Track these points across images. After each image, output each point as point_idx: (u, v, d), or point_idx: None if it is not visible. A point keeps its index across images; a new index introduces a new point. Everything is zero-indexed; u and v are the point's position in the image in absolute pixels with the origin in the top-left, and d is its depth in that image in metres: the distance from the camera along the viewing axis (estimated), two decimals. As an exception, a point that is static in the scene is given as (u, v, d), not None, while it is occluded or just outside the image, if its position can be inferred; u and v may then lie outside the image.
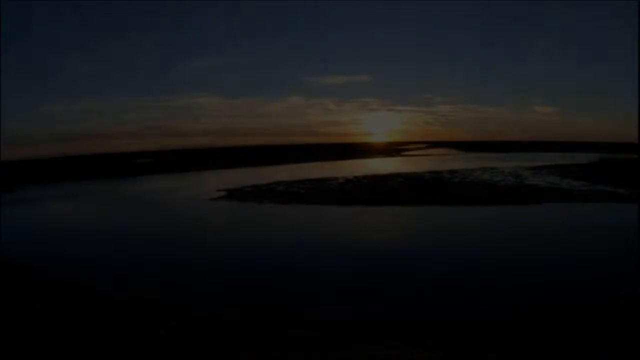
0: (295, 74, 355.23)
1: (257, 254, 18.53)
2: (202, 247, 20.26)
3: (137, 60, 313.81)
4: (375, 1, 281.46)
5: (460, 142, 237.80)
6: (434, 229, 22.39)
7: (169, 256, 18.61)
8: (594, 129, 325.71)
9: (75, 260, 18.30)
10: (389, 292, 13.48)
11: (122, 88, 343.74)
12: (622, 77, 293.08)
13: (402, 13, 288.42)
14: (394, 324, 10.72)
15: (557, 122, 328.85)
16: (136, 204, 34.70)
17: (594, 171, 47.25)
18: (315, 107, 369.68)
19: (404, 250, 18.36)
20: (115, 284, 14.65)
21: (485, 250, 18.23)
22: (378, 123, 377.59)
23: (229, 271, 16.09)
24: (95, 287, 14.10)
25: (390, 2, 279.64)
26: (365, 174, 53.72)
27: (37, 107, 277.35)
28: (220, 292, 13.74)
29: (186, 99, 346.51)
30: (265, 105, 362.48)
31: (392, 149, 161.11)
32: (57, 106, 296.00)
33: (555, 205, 28.42)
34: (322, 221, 25.57)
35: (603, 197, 31.08)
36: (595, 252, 17.67)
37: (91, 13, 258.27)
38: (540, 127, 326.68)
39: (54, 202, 37.74)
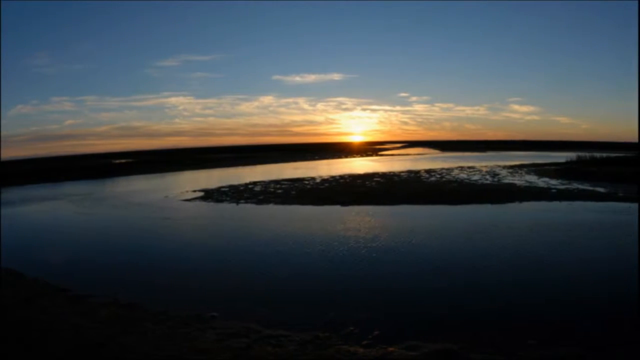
0: (265, 72, 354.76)
1: (232, 254, 18.49)
2: (178, 248, 20.13)
3: (105, 60, 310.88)
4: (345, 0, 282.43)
5: (437, 142, 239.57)
6: (411, 227, 22.25)
7: (141, 258, 18.42)
8: (573, 128, 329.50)
9: (47, 262, 18.08)
10: (364, 291, 13.38)
11: (92, 88, 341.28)
12: (601, 76, 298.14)
13: (372, 11, 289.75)
14: (370, 323, 10.60)
15: (535, 121, 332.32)
16: (111, 205, 34.10)
17: (572, 170, 47.71)
18: (288, 107, 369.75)
19: (379, 248, 18.27)
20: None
21: (460, 249, 18.33)
22: (353, 122, 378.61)
23: (205, 273, 15.94)
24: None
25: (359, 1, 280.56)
26: (342, 174, 53.99)
27: (6, 108, 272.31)
28: (195, 294, 13.51)
29: (156, 98, 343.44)
30: (237, 105, 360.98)
31: (368, 149, 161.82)
32: (27, 107, 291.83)
33: (532, 204, 28.70)
34: (299, 221, 25.46)
35: (581, 195, 31.55)
36: (574, 248, 17.98)
37: (56, 12, 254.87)
38: (518, 126, 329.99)
39: (27, 205, 36.74)
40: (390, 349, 9.16)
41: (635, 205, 26.59)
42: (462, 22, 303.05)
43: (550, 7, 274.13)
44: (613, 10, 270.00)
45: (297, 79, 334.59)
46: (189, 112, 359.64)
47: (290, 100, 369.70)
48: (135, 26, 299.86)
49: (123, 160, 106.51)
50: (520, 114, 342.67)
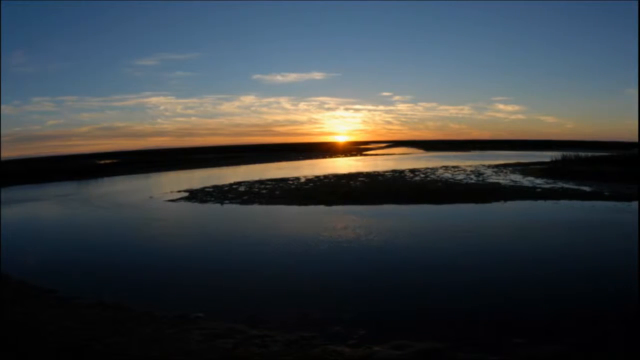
0: (246, 71, 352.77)
1: (216, 254, 18.58)
2: (162, 248, 20.14)
3: (82, 59, 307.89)
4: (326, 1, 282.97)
5: (421, 141, 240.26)
6: (395, 226, 22.46)
7: (126, 259, 18.34)
8: (558, 128, 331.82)
9: (34, 263, 18.21)
10: (349, 290, 13.46)
11: (71, 88, 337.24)
12: (586, 76, 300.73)
13: (352, 10, 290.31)
14: (356, 323, 10.70)
15: (520, 120, 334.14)
16: (96, 206, 33.84)
17: (557, 169, 48.23)
18: (270, 106, 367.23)
19: (364, 248, 18.38)
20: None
21: (445, 247, 18.49)
22: (336, 122, 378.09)
23: (189, 273, 15.91)
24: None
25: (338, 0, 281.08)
26: (327, 173, 54.09)
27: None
28: (180, 295, 13.53)
29: (137, 98, 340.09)
30: (218, 105, 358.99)
31: (352, 149, 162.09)
32: (9, 107, 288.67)
33: (517, 203, 29.06)
34: (284, 221, 25.67)
35: (566, 194, 31.94)
36: (559, 247, 18.23)
37: (27, 9, 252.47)
38: (503, 126, 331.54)
39: (12, 206, 36.35)
40: (376, 348, 9.26)
41: (621, 204, 27.03)
42: (444, 20, 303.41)
43: (535, 6, 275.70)
44: (597, 9, 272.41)
45: (278, 78, 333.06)
46: (170, 112, 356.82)
47: (272, 99, 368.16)
48: (111, 24, 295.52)
49: (108, 161, 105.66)
50: (505, 113, 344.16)
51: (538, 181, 40.24)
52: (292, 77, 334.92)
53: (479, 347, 9.27)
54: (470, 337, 9.79)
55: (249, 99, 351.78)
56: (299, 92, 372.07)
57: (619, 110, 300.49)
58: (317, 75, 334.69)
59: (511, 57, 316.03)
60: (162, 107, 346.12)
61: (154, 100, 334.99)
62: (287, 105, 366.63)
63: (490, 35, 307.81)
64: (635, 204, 27.24)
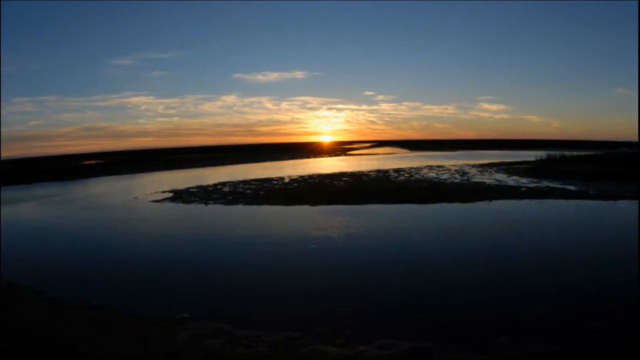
0: (226, 71, 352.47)
1: (201, 255, 18.60)
2: (147, 249, 20.22)
3: (61, 59, 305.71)
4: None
5: (406, 141, 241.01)
6: (380, 226, 22.60)
7: (111, 259, 18.29)
8: (543, 127, 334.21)
9: (20, 265, 17.99)
10: (334, 290, 13.49)
11: (52, 88, 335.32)
12: (571, 75, 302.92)
13: (332, 8, 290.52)
14: (342, 322, 10.81)
15: (505, 119, 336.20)
16: (81, 207, 33.69)
17: (542, 168, 48.69)
18: (252, 106, 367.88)
19: (349, 247, 18.49)
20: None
21: (429, 247, 18.75)
22: (320, 122, 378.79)
23: (174, 273, 15.89)
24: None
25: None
26: (311, 173, 54.20)
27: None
28: (166, 295, 13.54)
29: (117, 98, 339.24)
30: (200, 105, 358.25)
31: (337, 149, 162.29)
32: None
33: (501, 202, 29.35)
34: (268, 221, 25.73)
35: (551, 193, 32.36)
36: (544, 245, 18.40)
37: (11, 10, 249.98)
38: (488, 125, 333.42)
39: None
40: (363, 347, 9.39)
41: (606, 203, 27.42)
42: (427, 19, 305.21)
43: (520, 5, 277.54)
44: (582, 9, 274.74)
45: (259, 77, 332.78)
46: (152, 112, 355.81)
47: (254, 99, 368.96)
48: (89, 23, 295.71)
49: (92, 162, 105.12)
50: (490, 112, 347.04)
51: (523, 180, 40.68)
52: (273, 76, 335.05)
53: (465, 345, 9.42)
54: (457, 336, 9.96)
55: (230, 99, 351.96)
56: (280, 91, 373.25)
57: (606, 110, 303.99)
58: (299, 75, 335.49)
59: (496, 56, 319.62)
60: (143, 107, 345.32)
61: (134, 100, 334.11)
62: (269, 105, 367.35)
63: (475, 34, 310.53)
64: (620, 203, 27.70)
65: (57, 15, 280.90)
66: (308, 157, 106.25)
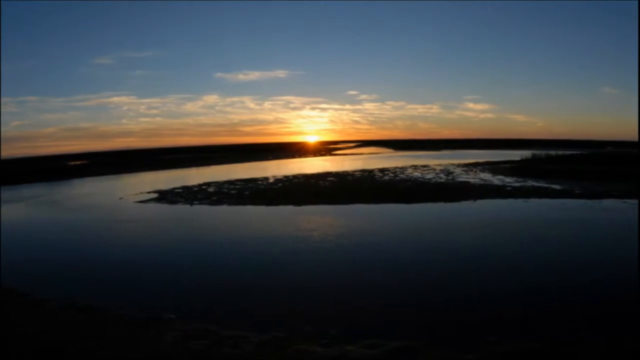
0: (207, 70, 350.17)
1: (186, 255, 18.59)
2: (133, 250, 20.08)
3: (43, 58, 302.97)
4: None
5: (391, 141, 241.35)
6: (365, 226, 22.78)
7: (96, 260, 18.26)
8: (528, 126, 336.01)
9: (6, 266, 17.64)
10: (320, 289, 13.57)
11: (33, 88, 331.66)
12: (556, 74, 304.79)
13: (313, 7, 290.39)
14: (328, 322, 10.89)
15: (490, 119, 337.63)
16: (66, 208, 33.53)
17: (527, 167, 49.04)
18: (234, 106, 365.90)
19: (334, 247, 18.58)
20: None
21: (414, 246, 18.93)
22: (303, 122, 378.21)
23: (160, 274, 15.89)
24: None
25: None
26: (296, 173, 54.27)
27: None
28: (152, 296, 13.53)
29: (98, 98, 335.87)
30: (182, 105, 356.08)
31: (321, 149, 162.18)
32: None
33: (486, 202, 29.65)
34: (253, 221, 25.74)
35: (536, 192, 32.77)
36: (529, 244, 18.61)
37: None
38: (473, 125, 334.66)
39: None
40: (349, 347, 9.48)
41: (591, 202, 27.79)
42: (410, 18, 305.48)
43: (506, 5, 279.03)
44: (568, 8, 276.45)
45: (241, 76, 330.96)
46: (134, 112, 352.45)
47: (236, 99, 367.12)
48: (68, 22, 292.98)
49: (77, 162, 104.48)
50: (475, 112, 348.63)
51: (508, 180, 41.12)
52: (254, 75, 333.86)
53: (452, 344, 9.53)
54: (444, 335, 10.07)
55: (212, 99, 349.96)
56: (262, 91, 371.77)
57: (593, 109, 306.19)
58: (281, 74, 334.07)
59: (481, 56, 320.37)
60: (125, 107, 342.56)
61: (115, 100, 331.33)
62: (252, 105, 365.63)
63: (459, 34, 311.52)
64: (606, 201, 28.11)
65: (36, 14, 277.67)
66: (293, 157, 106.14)
